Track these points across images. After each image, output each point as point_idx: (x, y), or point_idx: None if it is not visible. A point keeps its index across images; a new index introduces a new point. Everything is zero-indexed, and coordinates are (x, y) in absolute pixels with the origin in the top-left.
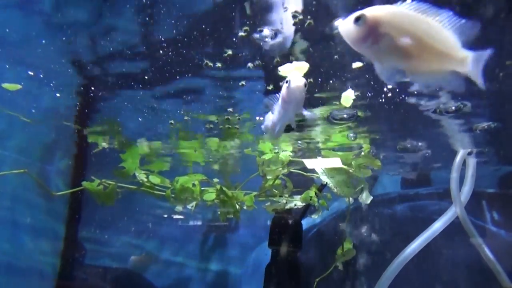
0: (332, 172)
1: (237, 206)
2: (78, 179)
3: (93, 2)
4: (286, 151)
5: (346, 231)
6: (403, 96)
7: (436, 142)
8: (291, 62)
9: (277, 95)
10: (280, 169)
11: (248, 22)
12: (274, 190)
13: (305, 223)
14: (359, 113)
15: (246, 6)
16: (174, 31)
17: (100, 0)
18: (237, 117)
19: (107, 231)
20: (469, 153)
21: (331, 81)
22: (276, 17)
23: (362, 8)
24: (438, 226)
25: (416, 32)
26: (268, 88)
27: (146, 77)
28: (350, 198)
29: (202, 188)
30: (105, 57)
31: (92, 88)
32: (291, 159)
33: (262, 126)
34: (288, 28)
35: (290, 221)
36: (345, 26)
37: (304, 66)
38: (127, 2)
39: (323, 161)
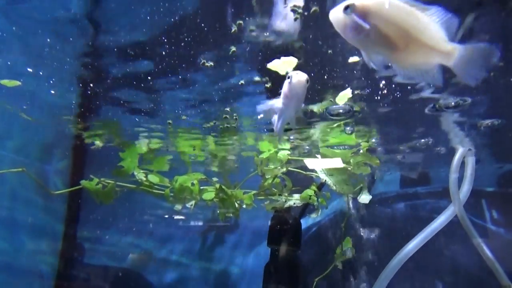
0: (331, 170)
1: (237, 205)
2: (77, 178)
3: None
4: (284, 150)
5: (345, 230)
6: (402, 92)
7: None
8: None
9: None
10: (279, 168)
11: (246, 17)
12: (273, 189)
13: (304, 222)
14: (356, 108)
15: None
16: (170, 29)
17: None
18: (235, 117)
19: (106, 230)
20: (469, 149)
21: (326, 76)
22: (275, 12)
23: None
24: (437, 224)
25: (404, 24)
26: (266, 86)
27: (145, 76)
28: (349, 197)
29: (201, 187)
30: (104, 55)
31: (91, 88)
32: (289, 157)
33: (258, 117)
34: (288, 24)
35: (289, 220)
36: (334, 14)
37: (292, 61)
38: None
39: (324, 161)
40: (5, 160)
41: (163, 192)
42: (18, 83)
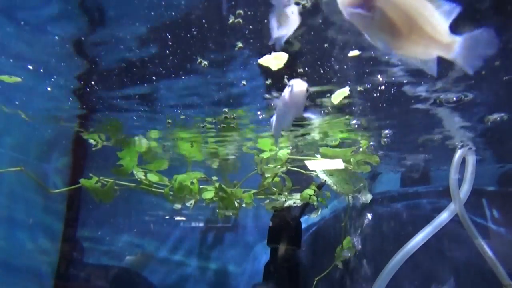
0: (331, 170)
1: (236, 204)
2: (76, 177)
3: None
4: (284, 149)
5: (345, 230)
6: (399, 87)
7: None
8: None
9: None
10: (279, 167)
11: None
12: (273, 188)
13: (304, 221)
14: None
15: None
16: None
17: None
18: (233, 116)
19: (105, 230)
20: (462, 146)
21: (322, 71)
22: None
23: None
24: (437, 223)
25: (410, 10)
26: (266, 82)
27: (144, 76)
28: (350, 196)
29: (201, 186)
30: (104, 54)
31: (90, 87)
32: (290, 156)
33: (272, 129)
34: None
35: (289, 219)
36: None
37: (282, 57)
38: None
39: (324, 162)
40: (4, 158)
41: (162, 191)
42: (18, 79)
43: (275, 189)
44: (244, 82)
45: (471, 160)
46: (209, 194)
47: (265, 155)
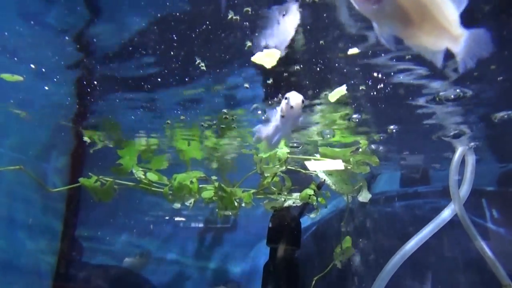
0: (330, 170)
1: (236, 203)
2: (76, 177)
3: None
4: (283, 149)
5: (345, 229)
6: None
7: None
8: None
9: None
10: (278, 166)
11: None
12: (273, 187)
13: (304, 221)
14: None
15: None
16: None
17: None
18: (232, 117)
19: (105, 229)
20: (468, 149)
21: (318, 68)
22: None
23: None
24: (437, 223)
25: None
26: (267, 81)
27: (144, 74)
28: (349, 196)
29: (200, 186)
30: (103, 55)
31: (90, 87)
32: (289, 156)
33: (254, 138)
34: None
35: (288, 219)
36: None
37: (275, 53)
38: None
39: (325, 163)
40: (3, 158)
41: (162, 190)
42: (20, 78)
43: (275, 189)
44: (246, 85)
45: (470, 160)
46: (208, 193)
47: (264, 155)
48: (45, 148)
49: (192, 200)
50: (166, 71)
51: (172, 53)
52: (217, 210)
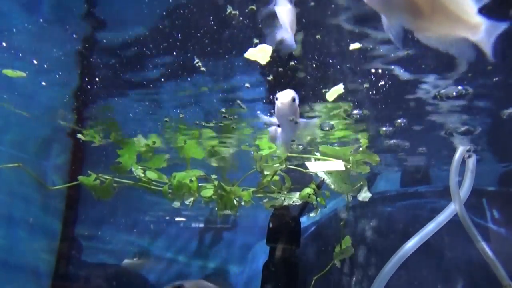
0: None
1: (235, 202)
2: (75, 175)
3: None
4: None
5: (345, 229)
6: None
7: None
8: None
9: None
10: (278, 165)
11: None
12: (272, 186)
13: (304, 220)
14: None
15: None
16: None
17: None
18: (232, 118)
19: (104, 228)
20: (468, 151)
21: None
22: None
23: None
24: (437, 223)
25: None
26: (268, 79)
27: (143, 74)
28: (349, 196)
29: (200, 184)
30: (103, 52)
31: (89, 87)
32: (289, 154)
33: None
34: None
35: (288, 219)
36: None
37: (267, 49)
38: None
39: (325, 164)
40: (2, 155)
41: (161, 189)
42: (23, 74)
43: (274, 188)
44: (248, 84)
45: (471, 159)
46: (208, 192)
47: (264, 152)
48: (44, 145)
49: (191, 199)
50: (167, 70)
51: (173, 52)
52: (216, 209)
